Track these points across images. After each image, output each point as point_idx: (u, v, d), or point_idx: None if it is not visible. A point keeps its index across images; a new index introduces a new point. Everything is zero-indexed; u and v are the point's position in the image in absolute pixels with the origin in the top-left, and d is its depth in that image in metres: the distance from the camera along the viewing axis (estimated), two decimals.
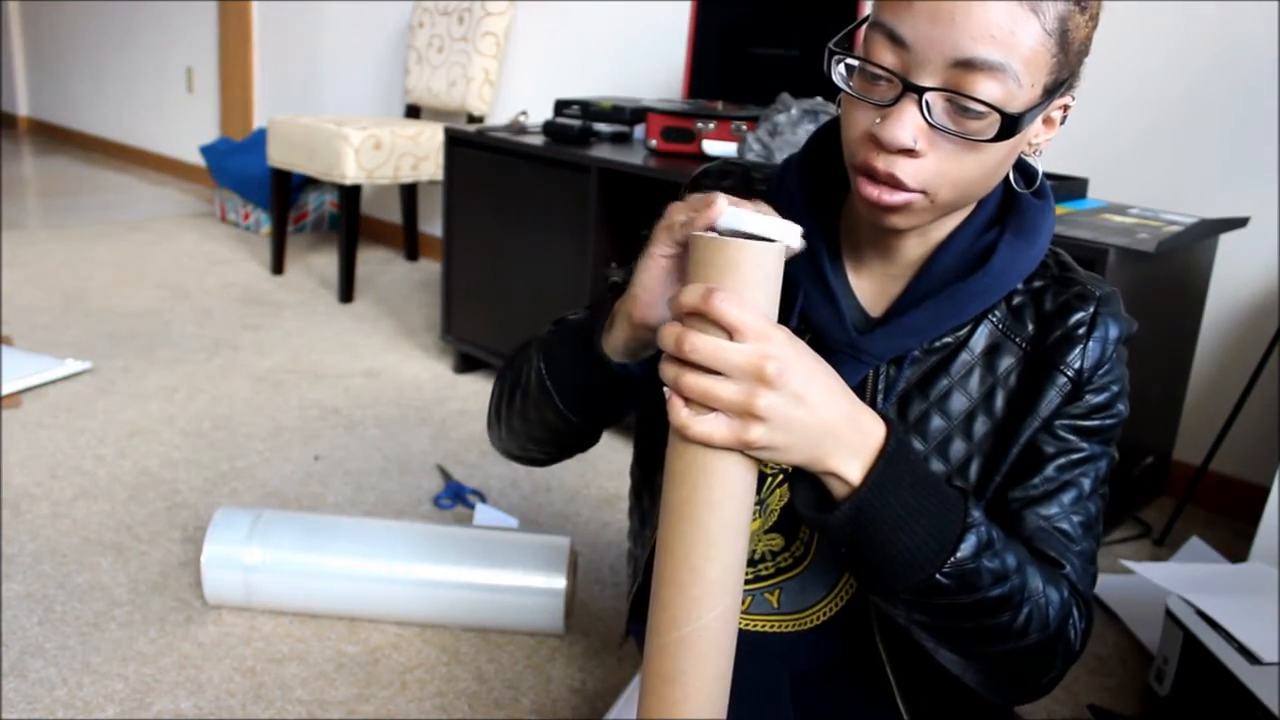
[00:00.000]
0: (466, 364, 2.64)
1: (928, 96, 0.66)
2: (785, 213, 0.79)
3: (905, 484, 0.66)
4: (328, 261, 3.63)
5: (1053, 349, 0.78)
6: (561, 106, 2.57)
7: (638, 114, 2.43)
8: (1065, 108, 0.73)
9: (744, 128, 2.11)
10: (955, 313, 0.78)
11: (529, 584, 1.50)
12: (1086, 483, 0.79)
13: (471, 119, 3.29)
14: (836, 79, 0.70)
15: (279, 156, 3.28)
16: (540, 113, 3.14)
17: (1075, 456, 0.79)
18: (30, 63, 6.18)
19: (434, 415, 2.35)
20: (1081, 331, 0.77)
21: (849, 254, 0.83)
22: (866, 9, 2.39)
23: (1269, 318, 1.99)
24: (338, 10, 3.98)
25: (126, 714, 1.33)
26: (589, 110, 2.49)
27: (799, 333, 0.81)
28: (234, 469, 2.03)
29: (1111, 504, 2.04)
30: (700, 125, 2.18)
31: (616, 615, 1.61)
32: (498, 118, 3.38)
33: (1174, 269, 1.81)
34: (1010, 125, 0.66)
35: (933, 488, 0.68)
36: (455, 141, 2.50)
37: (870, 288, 0.82)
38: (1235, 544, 1.91)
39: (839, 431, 0.64)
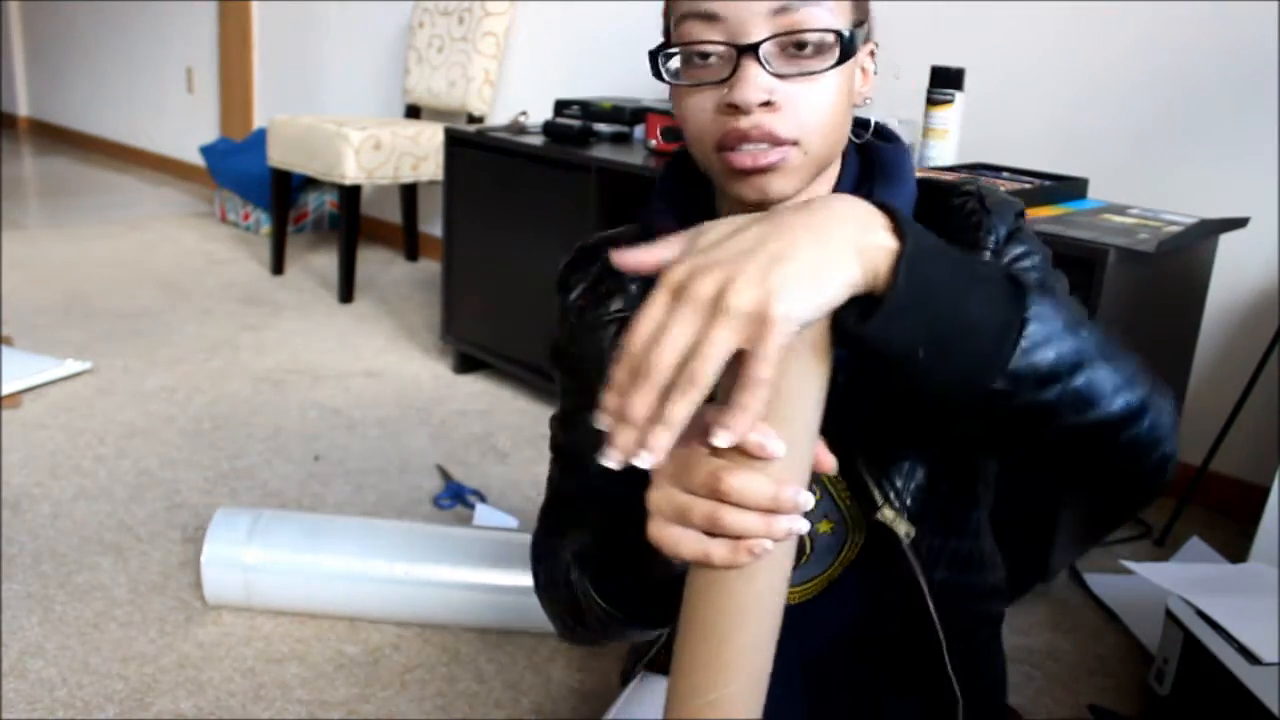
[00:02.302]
0: (466, 364, 2.64)
1: (762, 50, 0.68)
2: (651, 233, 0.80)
3: (942, 248, 0.60)
4: (328, 261, 3.63)
5: (964, 236, 0.78)
6: (561, 106, 2.57)
7: (638, 114, 2.43)
8: (872, 54, 0.77)
9: None
10: None
11: (529, 584, 1.50)
12: (1059, 287, 0.79)
13: (471, 119, 3.29)
14: (669, 78, 0.72)
15: (279, 156, 3.28)
16: (540, 113, 3.14)
17: (1024, 265, 0.79)
18: (30, 63, 6.18)
19: (434, 415, 2.35)
20: (978, 210, 0.79)
21: None
22: (866, 7, 2.39)
23: (1269, 318, 1.99)
24: (338, 10, 3.98)
25: (126, 714, 1.33)
26: (589, 110, 2.49)
27: None
28: (234, 469, 2.03)
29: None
30: None
31: None
32: (498, 118, 3.38)
33: (1174, 269, 1.81)
34: (848, 44, 0.69)
35: (968, 261, 0.62)
36: (455, 141, 2.50)
37: None
38: (1235, 544, 1.91)
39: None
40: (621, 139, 2.41)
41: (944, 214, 0.80)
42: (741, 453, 0.56)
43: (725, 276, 0.54)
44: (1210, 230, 1.78)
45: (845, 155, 0.80)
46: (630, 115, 2.44)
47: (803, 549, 0.84)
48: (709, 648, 0.59)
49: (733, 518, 0.56)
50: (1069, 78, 2.19)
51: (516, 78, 3.37)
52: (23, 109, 6.32)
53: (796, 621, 0.90)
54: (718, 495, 0.56)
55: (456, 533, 1.56)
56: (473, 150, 2.46)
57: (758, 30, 0.68)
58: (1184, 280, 1.89)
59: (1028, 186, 1.80)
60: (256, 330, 2.88)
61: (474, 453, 2.16)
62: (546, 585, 0.89)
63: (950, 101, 1.85)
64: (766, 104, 0.69)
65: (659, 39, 0.76)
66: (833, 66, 0.70)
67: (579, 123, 2.36)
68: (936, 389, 0.59)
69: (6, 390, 2.29)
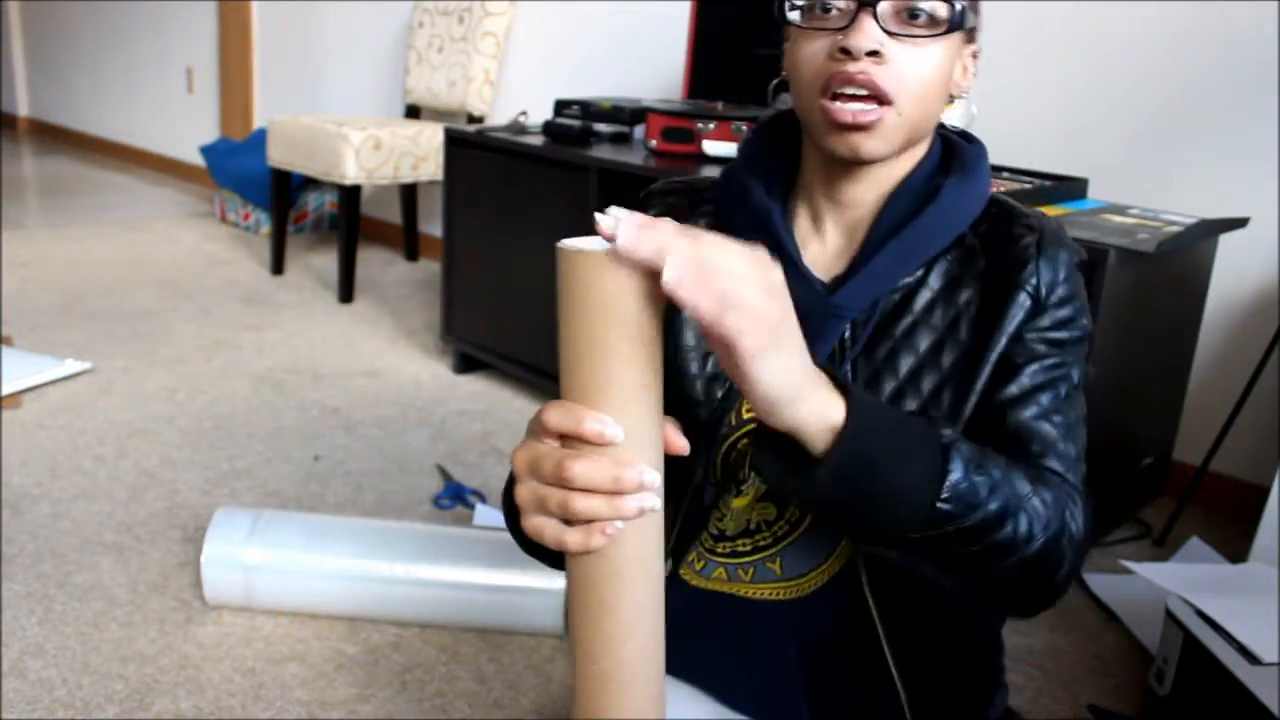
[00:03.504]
0: (466, 364, 2.64)
1: (879, 7, 0.75)
2: (736, 210, 0.87)
3: (882, 421, 0.66)
4: (328, 261, 3.63)
5: (1008, 272, 0.81)
6: (561, 106, 2.57)
7: (638, 114, 2.43)
8: (975, 55, 0.83)
9: (744, 128, 2.12)
10: (912, 252, 0.82)
11: (529, 584, 1.50)
12: (1063, 387, 0.81)
13: (471, 119, 3.29)
14: (794, 18, 0.78)
15: (279, 156, 3.28)
16: (540, 113, 3.14)
17: (1048, 363, 0.81)
18: (30, 63, 6.18)
19: (434, 415, 2.35)
20: (1032, 251, 0.81)
21: (804, 228, 0.87)
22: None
23: (1269, 318, 1.99)
24: (338, 10, 3.98)
25: (126, 714, 1.33)
26: (589, 110, 2.49)
27: None
28: (234, 469, 2.03)
29: (1111, 504, 2.04)
30: (700, 125, 2.18)
31: None
32: (498, 118, 3.38)
33: (1174, 269, 1.81)
34: (957, 19, 0.76)
35: (904, 423, 0.68)
36: (455, 141, 2.50)
37: (826, 255, 0.86)
38: (1235, 544, 1.91)
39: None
40: (621, 139, 2.41)
41: (1000, 238, 0.83)
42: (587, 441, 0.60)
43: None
44: (1210, 230, 1.78)
45: (931, 142, 0.85)
46: (630, 115, 2.44)
47: (796, 523, 0.85)
48: (594, 617, 0.62)
49: (580, 504, 0.59)
50: (1069, 77, 2.19)
51: (516, 78, 3.37)
52: (23, 109, 6.32)
53: (793, 618, 0.90)
54: (564, 483, 0.59)
55: (456, 533, 1.56)
56: (473, 150, 2.46)
57: None
58: (1184, 280, 1.89)
59: (1028, 186, 1.80)
60: (256, 330, 2.88)
61: (474, 453, 2.16)
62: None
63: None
64: (874, 54, 0.75)
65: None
66: (940, 34, 0.76)
67: (579, 123, 2.36)
68: (846, 528, 0.70)
69: (6, 390, 2.29)
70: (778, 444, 0.66)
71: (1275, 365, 1.96)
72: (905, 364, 0.82)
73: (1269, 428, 2.01)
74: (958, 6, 0.77)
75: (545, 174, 2.29)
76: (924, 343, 0.82)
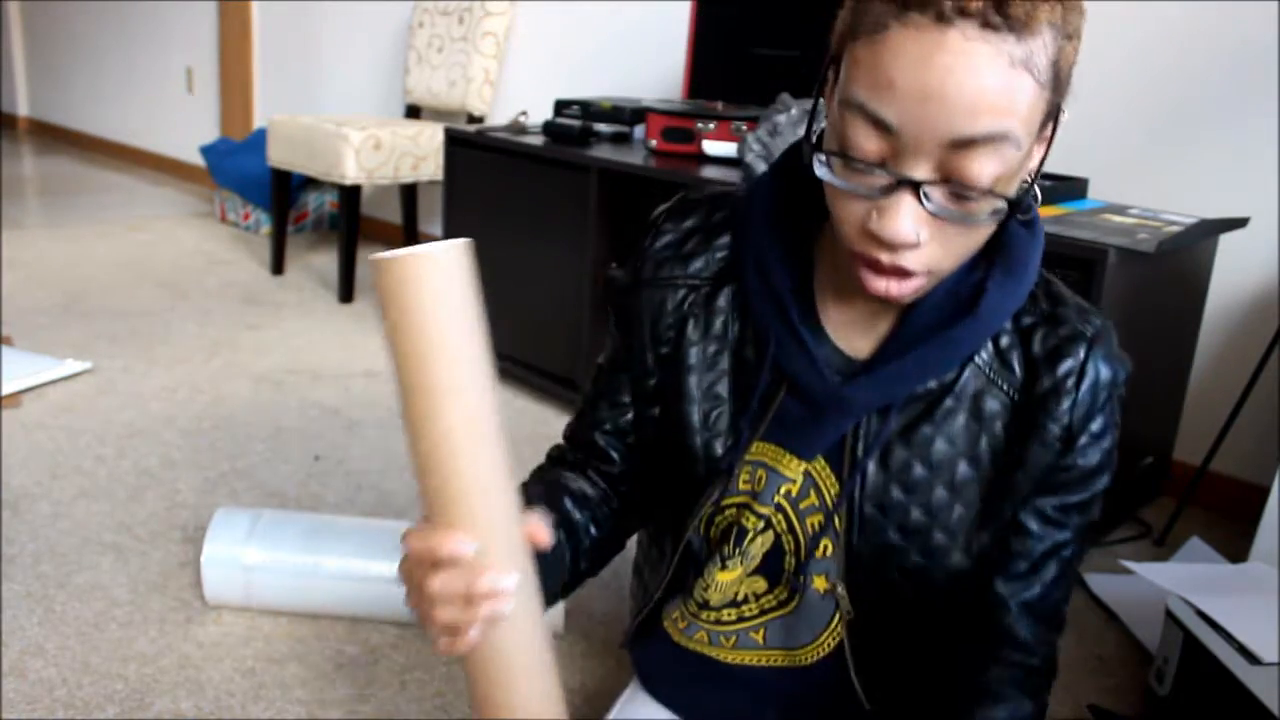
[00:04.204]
0: None
1: (925, 188, 0.61)
2: (751, 274, 0.79)
3: None
4: (328, 261, 3.63)
5: (1041, 400, 0.74)
6: (561, 106, 2.57)
7: (638, 114, 2.43)
8: (1055, 126, 0.67)
9: (744, 128, 2.11)
10: (943, 360, 0.75)
11: None
12: (1069, 552, 0.80)
13: (471, 119, 3.29)
14: (820, 172, 0.66)
15: (279, 156, 3.28)
16: (540, 113, 3.14)
17: (1059, 539, 0.79)
18: (30, 63, 6.18)
19: None
20: (1071, 383, 0.74)
21: (828, 289, 0.79)
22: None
23: (1269, 318, 1.99)
24: (338, 10, 3.98)
25: (126, 714, 1.33)
26: (589, 110, 2.49)
27: (773, 384, 0.79)
28: (234, 469, 2.03)
29: (1111, 504, 2.03)
30: (700, 125, 2.18)
31: (616, 617, 1.61)
32: (498, 118, 3.38)
33: (1174, 269, 1.81)
34: (1014, 205, 0.63)
35: None
36: (455, 141, 2.50)
37: (852, 326, 0.78)
38: (1235, 544, 1.91)
39: None
40: (621, 139, 2.41)
41: (1044, 346, 0.75)
42: None
43: None
44: (1210, 230, 1.78)
45: None
46: (630, 115, 2.44)
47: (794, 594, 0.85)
48: (487, 693, 0.66)
49: (439, 614, 0.61)
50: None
51: (516, 78, 3.37)
52: (23, 109, 6.32)
53: (774, 684, 0.90)
54: (425, 600, 0.62)
55: None
56: (473, 150, 2.46)
57: (924, 158, 0.60)
58: (1184, 280, 1.89)
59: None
60: (256, 330, 2.88)
61: None
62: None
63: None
64: (921, 243, 0.64)
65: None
66: (995, 218, 0.64)
67: (579, 123, 2.36)
68: None
69: (6, 390, 2.29)
70: None
71: (1275, 365, 1.96)
72: (919, 477, 0.77)
73: (1269, 428, 2.01)
74: (1024, 183, 0.63)
75: (545, 174, 2.29)
76: (940, 457, 0.76)
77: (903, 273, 0.65)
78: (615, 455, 0.89)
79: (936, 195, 0.62)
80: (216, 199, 4.21)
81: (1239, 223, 1.85)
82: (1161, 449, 2.05)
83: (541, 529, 0.66)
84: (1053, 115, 0.64)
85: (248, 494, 1.93)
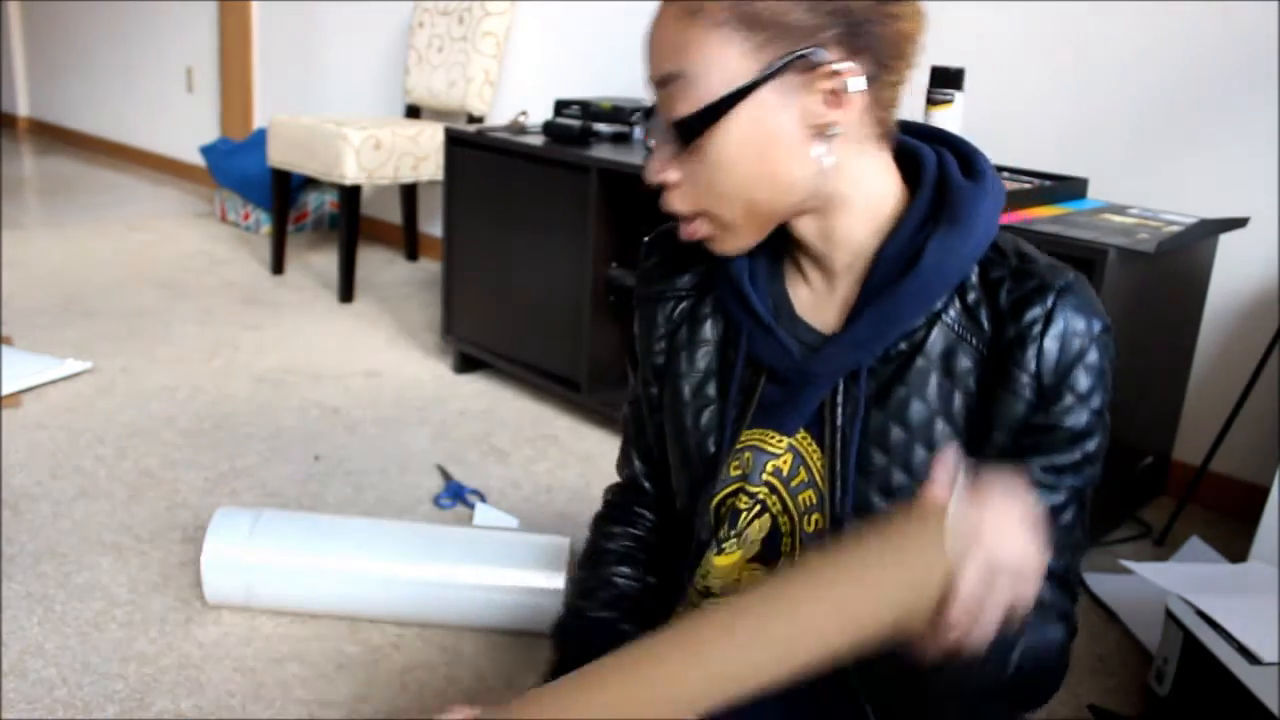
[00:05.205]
0: (466, 364, 2.64)
1: (650, 133, 0.72)
2: (717, 266, 0.84)
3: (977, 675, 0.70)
4: (328, 261, 3.63)
5: (1009, 350, 0.74)
6: (561, 106, 2.57)
7: (638, 114, 2.43)
8: (832, 75, 0.69)
9: None
10: (895, 318, 0.75)
11: (529, 584, 1.50)
12: (1068, 518, 0.77)
13: (471, 119, 3.29)
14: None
15: (279, 156, 3.28)
16: (540, 113, 3.14)
17: (1055, 502, 0.76)
18: (30, 63, 6.18)
19: (434, 415, 2.35)
20: (1037, 330, 0.72)
21: (796, 274, 0.83)
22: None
23: (1269, 318, 1.99)
24: (338, 10, 3.98)
25: (126, 714, 1.33)
26: (589, 110, 2.49)
27: (753, 374, 0.83)
28: (234, 469, 2.03)
29: (1111, 504, 2.04)
30: None
31: None
32: (498, 118, 3.38)
33: (1174, 269, 1.81)
34: (685, 128, 0.70)
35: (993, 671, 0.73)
36: (455, 141, 2.50)
37: (817, 302, 0.82)
38: (1235, 544, 1.91)
39: None
40: (621, 139, 2.41)
41: (1010, 297, 0.74)
42: None
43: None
44: (1210, 230, 1.78)
45: (918, 188, 0.76)
46: (630, 115, 2.44)
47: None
48: None
49: None
50: (1069, 78, 2.19)
51: (516, 78, 3.37)
52: (23, 109, 6.32)
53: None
54: None
55: (456, 533, 1.56)
56: (473, 150, 2.46)
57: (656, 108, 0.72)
58: (1184, 280, 1.89)
59: (1028, 186, 1.80)
60: (256, 330, 2.88)
61: (474, 453, 2.16)
62: (581, 560, 1.01)
63: (950, 101, 1.85)
64: (670, 183, 0.73)
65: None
66: (682, 143, 0.71)
67: (579, 123, 2.36)
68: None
69: (6, 390, 2.29)
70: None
71: (1275, 365, 1.96)
72: (897, 439, 0.77)
73: (1269, 428, 2.01)
74: (690, 113, 0.69)
75: (545, 174, 2.29)
76: (917, 418, 0.77)
77: (683, 217, 0.75)
78: (650, 486, 0.99)
79: (659, 135, 0.73)
80: (216, 199, 4.21)
81: (1239, 223, 1.85)
82: (1161, 449, 2.05)
83: None
84: (786, 62, 0.68)
85: (248, 494, 1.93)
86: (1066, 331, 0.72)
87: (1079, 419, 0.74)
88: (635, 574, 0.96)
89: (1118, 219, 1.73)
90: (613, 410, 2.23)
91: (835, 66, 0.68)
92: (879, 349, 0.77)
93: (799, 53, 0.68)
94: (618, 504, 1.01)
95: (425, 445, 2.19)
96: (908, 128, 0.82)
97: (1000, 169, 1.97)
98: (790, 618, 0.61)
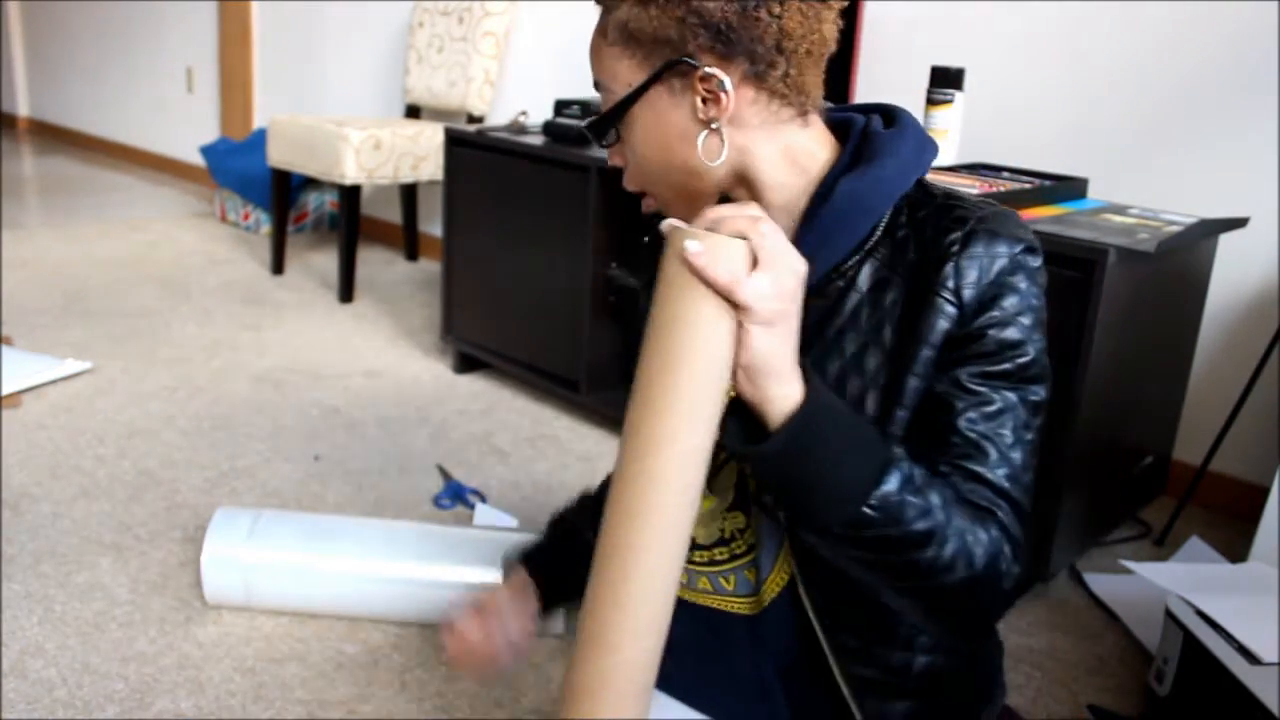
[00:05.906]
0: (466, 364, 2.64)
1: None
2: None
3: (833, 419, 0.70)
4: (328, 261, 3.63)
5: (929, 271, 0.77)
6: (561, 106, 2.57)
7: None
8: (703, 79, 0.77)
9: None
10: (819, 248, 0.79)
11: None
12: (1007, 433, 0.76)
13: (471, 119, 3.29)
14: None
15: (279, 156, 3.28)
16: (540, 113, 3.14)
17: (989, 409, 0.76)
18: (30, 63, 6.18)
19: (434, 415, 2.35)
20: (955, 250, 0.76)
21: None
22: (867, 8, 2.39)
23: (1269, 318, 1.99)
24: (338, 10, 3.98)
25: (126, 714, 1.33)
26: (589, 110, 2.49)
27: None
28: (234, 469, 2.03)
29: (1111, 504, 2.04)
30: None
31: None
32: (498, 118, 3.38)
33: (1174, 269, 1.81)
34: (595, 126, 0.84)
35: (855, 425, 0.71)
36: (455, 141, 2.50)
37: None
38: (1235, 544, 1.91)
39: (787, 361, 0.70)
40: None
41: (934, 227, 0.79)
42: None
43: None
44: (1210, 230, 1.78)
45: (841, 150, 0.83)
46: None
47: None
48: (622, 609, 0.71)
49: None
50: (1069, 78, 2.19)
51: (516, 78, 3.37)
52: (23, 109, 6.32)
53: (760, 631, 0.90)
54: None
55: (456, 533, 1.56)
56: (473, 150, 2.46)
57: None
58: (1184, 280, 1.89)
59: (1028, 186, 1.80)
60: (256, 330, 2.88)
61: (474, 453, 2.16)
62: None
63: (950, 101, 1.85)
64: (621, 166, 0.86)
65: None
66: (596, 134, 0.84)
67: (579, 123, 2.36)
68: (781, 507, 0.73)
69: (6, 390, 2.29)
70: (744, 415, 0.72)
71: (1275, 365, 1.96)
72: (833, 370, 0.80)
73: (1269, 428, 2.01)
74: (597, 114, 0.83)
75: (545, 174, 2.29)
76: (850, 348, 0.80)
77: (639, 194, 0.87)
78: None
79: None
80: (216, 199, 4.21)
81: (1239, 223, 1.85)
82: (1161, 449, 2.05)
83: None
84: (660, 72, 0.79)
85: (248, 494, 1.93)
86: (984, 251, 0.77)
87: (1006, 332, 0.77)
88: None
89: (1118, 219, 1.73)
90: (612, 410, 2.23)
91: (706, 70, 0.77)
92: (810, 281, 0.78)
93: (671, 61, 0.78)
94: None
95: (425, 445, 2.19)
96: (861, 108, 0.88)
97: (1000, 169, 1.97)
98: (642, 428, 0.70)
